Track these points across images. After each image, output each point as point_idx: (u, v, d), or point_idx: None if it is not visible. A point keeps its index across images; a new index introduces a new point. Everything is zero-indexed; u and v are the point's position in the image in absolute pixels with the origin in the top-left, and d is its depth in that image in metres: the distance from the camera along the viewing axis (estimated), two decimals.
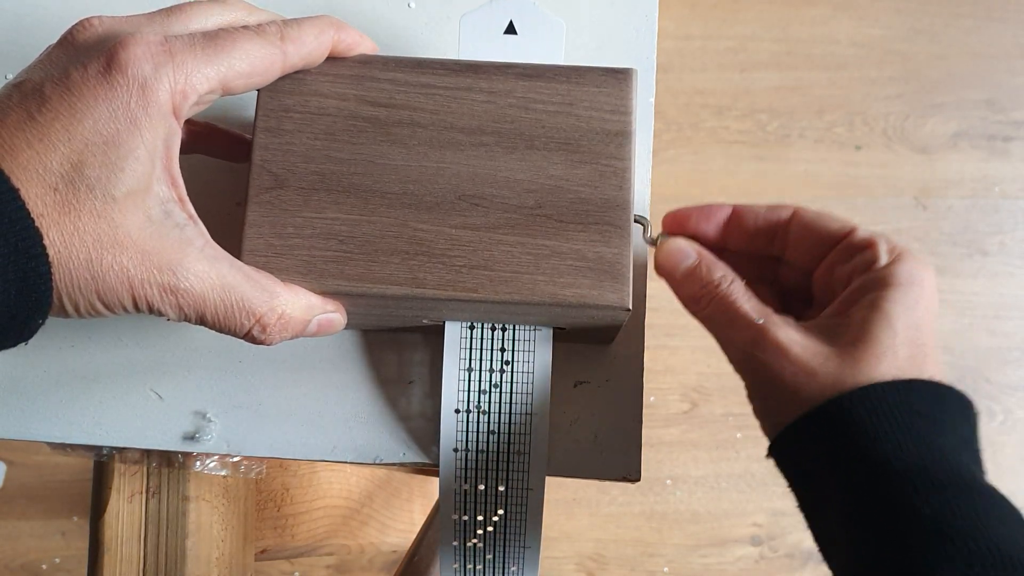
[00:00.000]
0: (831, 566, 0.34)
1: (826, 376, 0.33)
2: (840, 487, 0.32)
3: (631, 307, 0.35)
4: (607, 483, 1.03)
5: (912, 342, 0.33)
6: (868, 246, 0.35)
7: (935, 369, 0.34)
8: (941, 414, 0.32)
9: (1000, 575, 0.28)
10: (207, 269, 0.31)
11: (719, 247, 0.38)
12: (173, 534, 0.48)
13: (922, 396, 0.32)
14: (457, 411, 0.38)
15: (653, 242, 0.39)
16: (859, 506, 0.32)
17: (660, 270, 0.38)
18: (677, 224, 0.39)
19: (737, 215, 0.38)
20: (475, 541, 0.40)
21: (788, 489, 0.35)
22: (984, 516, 0.30)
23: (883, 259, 0.35)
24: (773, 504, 1.16)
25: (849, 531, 0.32)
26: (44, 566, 1.12)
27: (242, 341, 0.34)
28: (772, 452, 0.35)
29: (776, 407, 0.34)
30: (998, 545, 0.29)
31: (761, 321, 0.34)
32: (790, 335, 0.34)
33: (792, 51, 1.32)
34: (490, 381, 0.38)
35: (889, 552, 0.30)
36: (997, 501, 0.31)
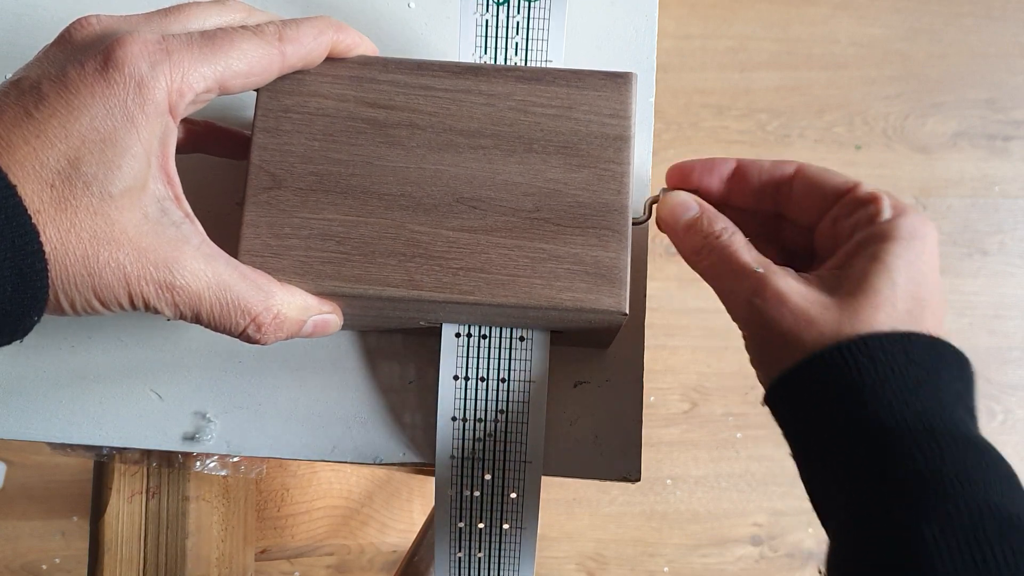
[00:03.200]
0: (820, 512, 0.34)
1: (825, 324, 0.33)
2: (836, 433, 0.32)
3: (627, 312, 0.35)
4: (607, 483, 1.03)
5: (912, 296, 0.33)
6: (872, 200, 0.35)
7: (934, 324, 0.34)
8: (938, 368, 0.33)
9: (987, 524, 0.28)
10: (203, 267, 0.31)
11: (722, 202, 0.38)
12: (173, 534, 0.48)
13: (920, 349, 0.33)
14: (454, 418, 0.38)
15: (654, 200, 0.39)
16: (854, 452, 0.32)
17: (661, 222, 0.38)
18: (680, 177, 0.39)
19: (741, 170, 0.38)
20: (472, 546, 0.40)
21: (783, 438, 0.35)
22: (976, 468, 0.30)
23: (886, 213, 0.35)
24: (773, 504, 1.16)
25: (842, 476, 0.32)
26: (44, 566, 1.12)
27: (241, 341, 0.34)
28: (768, 398, 0.35)
29: (774, 355, 0.34)
30: (987, 497, 0.29)
31: (761, 270, 0.35)
32: (790, 284, 0.34)
33: (792, 51, 1.32)
34: (487, 383, 0.38)
35: (881, 498, 0.30)
36: (990, 455, 0.31)
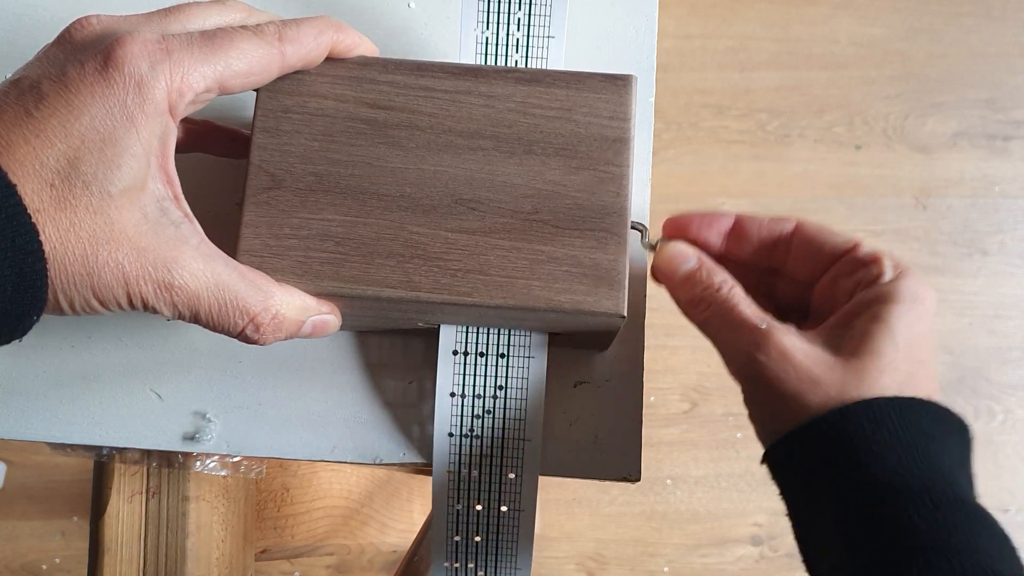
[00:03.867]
0: (814, 573, 0.34)
1: (830, 386, 0.33)
2: (838, 497, 0.32)
3: (626, 314, 0.34)
4: (607, 483, 1.03)
5: (913, 358, 0.33)
6: (873, 261, 0.35)
7: (931, 388, 0.34)
8: (940, 434, 0.33)
9: None
10: (202, 267, 0.31)
11: (718, 256, 0.38)
12: (173, 534, 0.48)
13: (924, 414, 0.33)
14: (451, 434, 0.38)
15: (652, 247, 0.38)
16: (857, 517, 0.31)
17: (658, 272, 0.38)
18: (678, 229, 0.39)
19: (739, 225, 0.38)
20: (471, 537, 0.40)
21: (780, 498, 0.35)
22: (977, 536, 0.30)
23: (888, 274, 0.35)
24: (773, 504, 1.16)
25: (843, 541, 0.32)
26: (44, 566, 1.12)
27: (240, 342, 0.34)
28: (769, 457, 0.35)
29: (776, 413, 0.34)
30: (990, 564, 0.29)
31: (764, 325, 0.34)
32: (793, 341, 0.34)
33: (792, 51, 1.32)
34: (484, 386, 0.38)
35: (884, 565, 0.30)
36: (989, 523, 0.31)
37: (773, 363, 0.34)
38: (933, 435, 0.32)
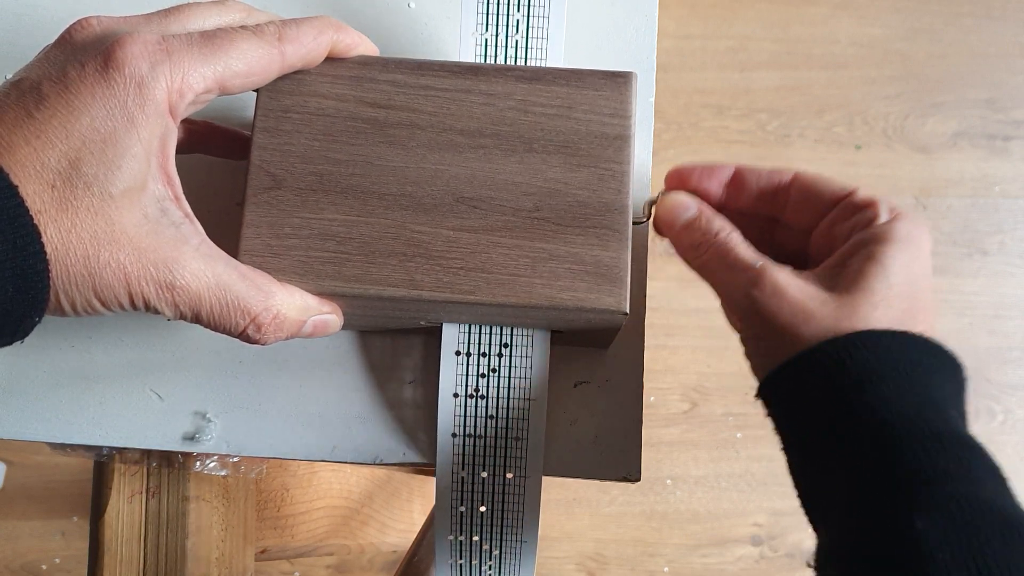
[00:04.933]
0: (809, 506, 0.34)
1: (823, 318, 0.33)
2: (832, 425, 0.33)
3: (628, 311, 0.35)
4: (607, 483, 1.03)
5: (907, 296, 0.34)
6: (869, 205, 0.36)
7: (927, 326, 0.34)
8: (933, 368, 0.33)
9: (983, 520, 0.29)
10: (203, 267, 0.31)
11: (719, 206, 0.39)
12: (173, 534, 0.48)
13: (916, 348, 0.33)
14: (454, 434, 0.38)
15: (653, 202, 0.39)
16: (849, 444, 0.32)
17: (660, 222, 0.38)
18: (679, 180, 0.39)
19: (739, 175, 0.39)
20: (474, 536, 0.40)
21: (774, 432, 0.36)
22: (970, 466, 0.31)
23: (883, 217, 0.35)
24: (773, 504, 1.16)
25: (836, 468, 0.32)
26: (44, 566, 1.12)
27: (241, 341, 0.34)
28: (763, 390, 0.35)
29: (770, 347, 0.35)
30: (982, 493, 0.29)
31: (759, 264, 0.35)
32: (788, 278, 0.35)
33: (792, 51, 1.32)
34: (487, 382, 0.38)
35: (877, 491, 0.30)
36: (982, 454, 0.32)
37: (767, 298, 0.34)
38: (925, 368, 0.33)
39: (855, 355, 0.32)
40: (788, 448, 0.35)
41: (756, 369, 0.36)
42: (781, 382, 0.34)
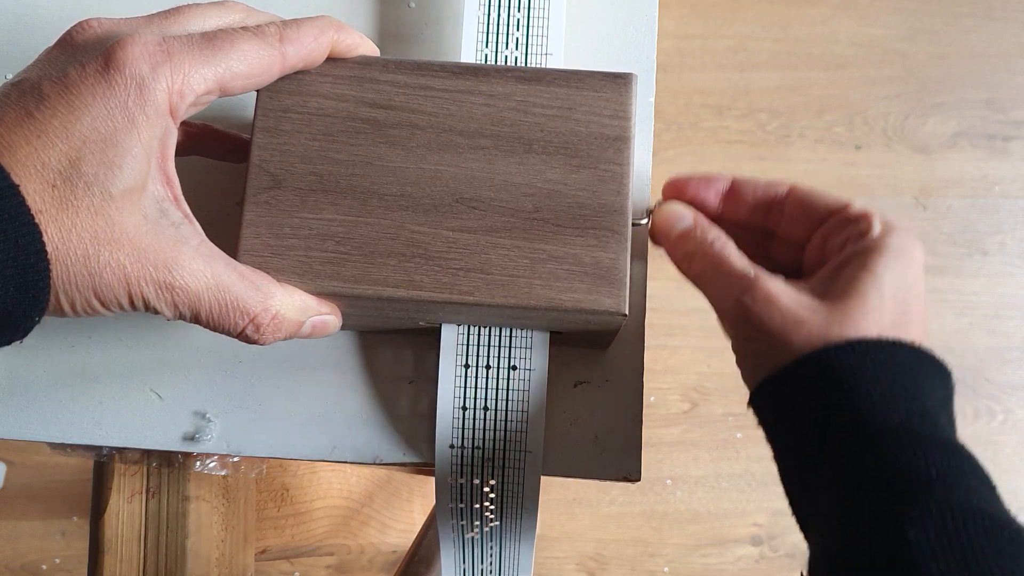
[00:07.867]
0: (800, 515, 0.34)
1: (814, 326, 0.34)
2: (822, 433, 0.33)
3: (627, 312, 0.35)
4: (607, 483, 1.03)
5: (898, 306, 0.34)
6: (862, 218, 0.36)
7: (918, 336, 0.35)
8: (922, 376, 0.33)
9: (971, 525, 0.29)
10: (202, 267, 0.31)
11: (715, 216, 0.39)
12: (173, 534, 0.48)
13: (906, 356, 0.33)
14: (453, 437, 0.38)
15: (649, 212, 0.39)
16: (840, 452, 0.32)
17: (656, 231, 0.39)
18: (676, 191, 0.40)
19: (735, 187, 0.39)
20: (473, 534, 0.40)
21: (767, 441, 0.36)
22: (958, 472, 0.31)
23: (876, 229, 0.36)
24: (773, 504, 1.16)
25: (826, 477, 0.32)
26: (44, 566, 1.12)
27: (240, 342, 0.34)
28: (754, 400, 0.36)
29: (761, 354, 0.35)
30: (969, 500, 0.30)
31: (752, 273, 0.35)
32: (779, 287, 0.35)
33: (792, 51, 1.32)
34: (486, 384, 0.38)
35: (867, 499, 0.31)
36: (970, 460, 0.32)
37: (759, 306, 0.34)
38: (915, 376, 0.33)
39: (845, 362, 0.32)
40: (779, 457, 0.35)
41: (747, 378, 0.37)
42: (771, 391, 0.35)
